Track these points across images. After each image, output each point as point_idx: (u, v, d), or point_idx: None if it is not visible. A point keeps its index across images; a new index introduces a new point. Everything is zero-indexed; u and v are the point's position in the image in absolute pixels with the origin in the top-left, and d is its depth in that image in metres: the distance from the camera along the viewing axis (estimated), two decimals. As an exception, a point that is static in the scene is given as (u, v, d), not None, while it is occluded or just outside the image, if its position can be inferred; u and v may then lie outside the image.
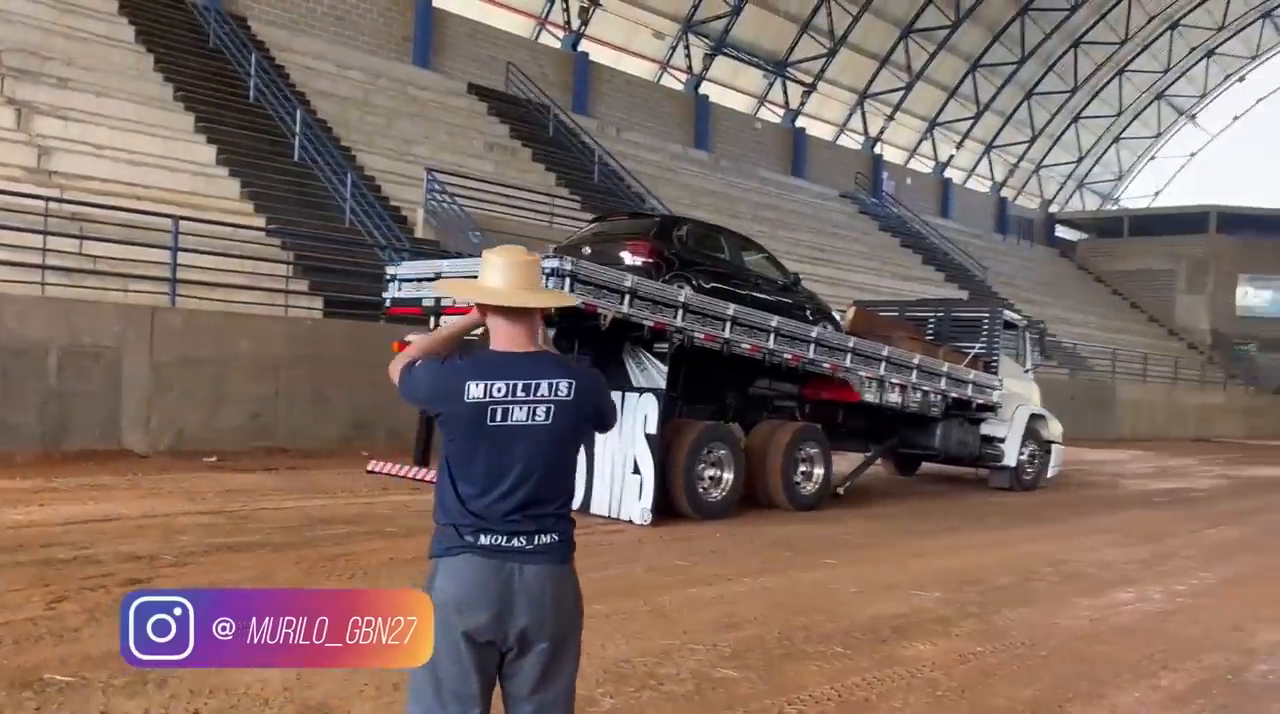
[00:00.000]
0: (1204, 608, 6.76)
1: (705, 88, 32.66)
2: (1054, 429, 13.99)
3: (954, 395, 12.03)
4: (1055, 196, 50.44)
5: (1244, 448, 28.62)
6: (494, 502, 2.54)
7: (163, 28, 18.37)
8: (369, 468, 8.97)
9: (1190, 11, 44.24)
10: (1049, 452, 13.84)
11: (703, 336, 8.99)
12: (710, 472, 9.27)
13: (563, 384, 2.58)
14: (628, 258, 9.33)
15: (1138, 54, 45.70)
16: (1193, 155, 53.13)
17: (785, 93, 35.47)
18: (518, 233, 17.43)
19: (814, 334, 10.10)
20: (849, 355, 10.52)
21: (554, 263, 7.84)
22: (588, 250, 9.38)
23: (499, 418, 2.53)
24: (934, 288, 29.84)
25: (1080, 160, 49.43)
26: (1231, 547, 9.71)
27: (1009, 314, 13.81)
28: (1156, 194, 53.27)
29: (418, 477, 8.59)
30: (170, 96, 16.44)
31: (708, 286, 9.44)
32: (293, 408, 11.95)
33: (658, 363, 8.71)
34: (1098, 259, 47.37)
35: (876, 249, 31.79)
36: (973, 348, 12.88)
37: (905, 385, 11.28)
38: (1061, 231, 49.90)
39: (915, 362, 11.41)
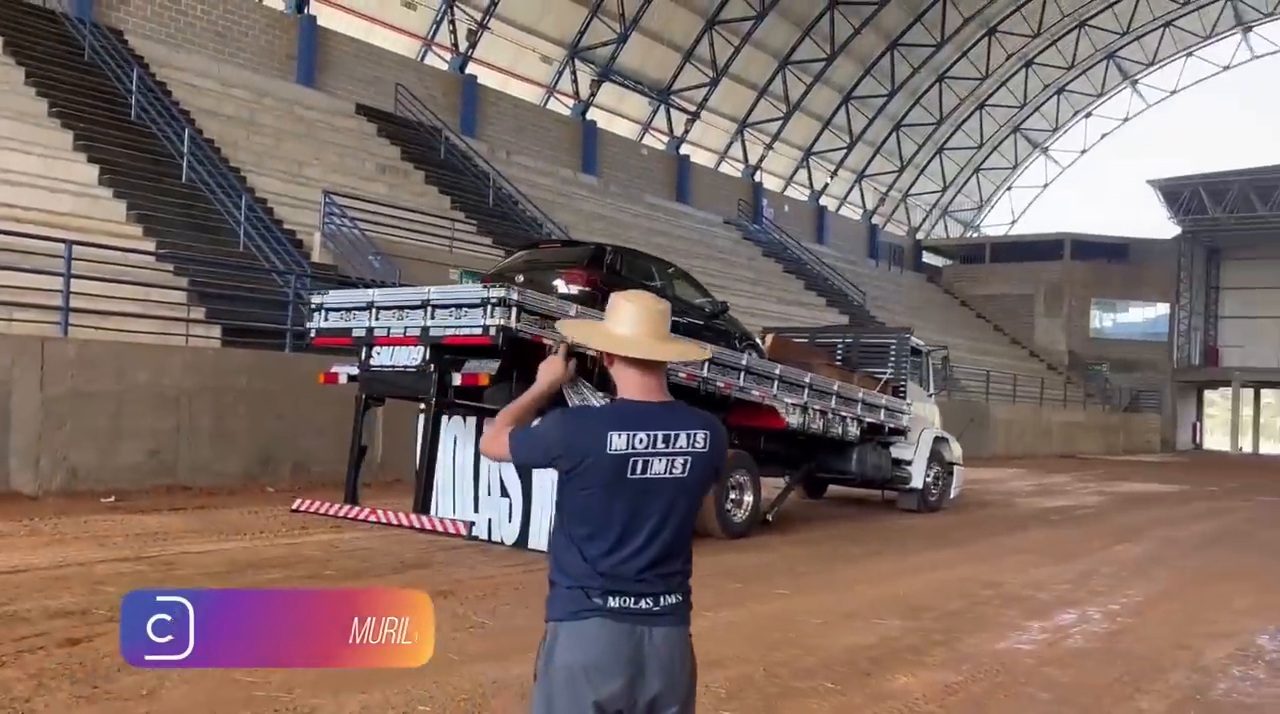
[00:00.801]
0: (1144, 627, 7.04)
1: (592, 113, 32.77)
2: (955, 451, 14.44)
3: (869, 420, 12.28)
4: (921, 224, 52.51)
5: (1106, 464, 30.21)
6: (626, 559, 2.43)
7: (32, 39, 17.32)
8: (294, 506, 8.52)
9: (1043, 51, 46.91)
10: (951, 473, 14.28)
11: (642, 366, 8.92)
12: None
13: (700, 435, 2.49)
14: (562, 286, 9.21)
15: (996, 89, 48.16)
16: (1045, 186, 56.18)
17: (669, 120, 35.93)
18: (418, 257, 17.07)
19: (744, 362, 10.16)
20: (775, 383, 10.61)
21: (500, 292, 7.64)
22: (521, 279, 9.20)
23: (639, 470, 2.42)
24: (818, 312, 30.61)
25: (944, 190, 51.64)
26: (1142, 563, 10.15)
27: (914, 340, 14.22)
28: (1013, 223, 56.04)
29: (350, 516, 8.20)
30: (45, 112, 15.48)
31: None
32: (194, 443, 11.31)
33: (598, 393, 8.56)
34: (962, 284, 49.51)
35: (762, 275, 32.39)
36: (882, 373, 13.19)
37: (826, 411, 11.45)
38: (928, 257, 51.96)
39: (835, 388, 11.61)
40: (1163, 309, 47.77)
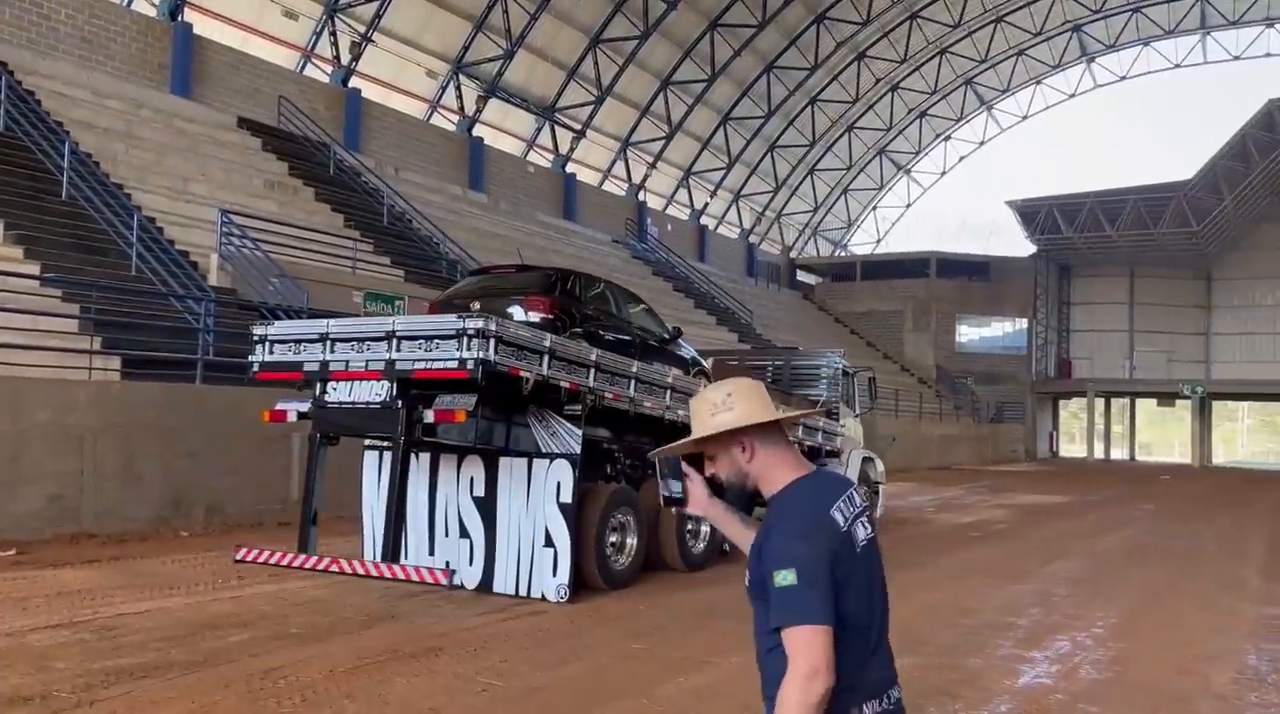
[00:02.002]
0: (1140, 652, 7.09)
1: (478, 130, 32.12)
2: (879, 470, 14.58)
3: (809, 444, 12.24)
4: (795, 243, 53.64)
5: (985, 474, 31.27)
6: (880, 651, 2.18)
7: (-120, 40, 15.70)
8: (238, 556, 7.78)
9: (908, 76, 48.65)
10: (877, 492, 14.41)
11: (611, 396, 8.59)
12: (614, 538, 8.83)
13: (856, 494, 2.27)
14: (520, 314, 8.80)
15: (864, 113, 49.66)
16: (908, 206, 58.21)
17: (554, 138, 35.57)
18: (321, 279, 16.24)
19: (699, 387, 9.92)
20: (730, 410, 10.41)
21: (477, 323, 7.18)
22: (476, 306, 8.73)
23: (860, 541, 2.19)
24: (710, 331, 30.74)
25: (816, 209, 52.90)
26: (1087, 581, 10.34)
27: (843, 362, 14.29)
28: (878, 242, 57.84)
29: (307, 566, 7.52)
30: (-100, 122, 14.03)
31: (607, 342, 9.06)
32: (100, 486, 10.33)
33: (570, 426, 8.21)
34: (834, 301, 50.80)
35: (654, 294, 32.18)
36: (818, 395, 13.20)
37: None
38: (801, 276, 53.11)
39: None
40: (1021, 324, 50.10)
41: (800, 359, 14.60)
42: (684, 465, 2.43)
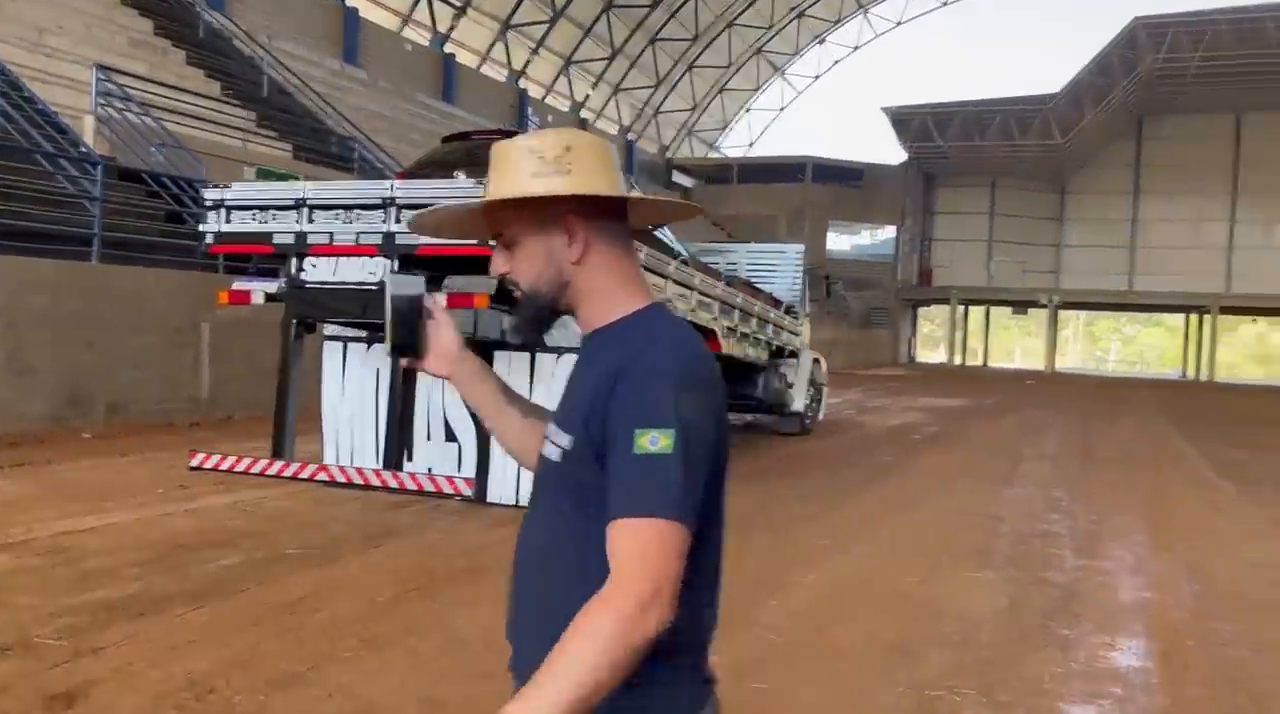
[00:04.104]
0: (1202, 560, 6.78)
1: (350, 0, 29.52)
2: (824, 371, 14.12)
3: (776, 343, 11.61)
4: (671, 143, 52.60)
5: (868, 378, 31.70)
6: (717, 601, 1.43)
7: None
8: (193, 463, 6.54)
9: (790, -27, 47.78)
10: (822, 394, 13.98)
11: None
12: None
13: None
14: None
15: (745, 9, 48.59)
16: (781, 109, 57.90)
17: (432, 13, 33.14)
18: (210, 151, 14.41)
19: (697, 281, 9.07)
20: (717, 303, 9.62)
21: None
22: (461, 176, 7.53)
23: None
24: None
25: (694, 109, 51.89)
26: (1078, 483, 10.10)
27: (799, 257, 13.60)
28: (750, 145, 57.48)
29: (295, 475, 6.35)
30: None
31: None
32: (-14, 380, 8.71)
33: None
34: (711, 203, 50.02)
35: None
36: (779, 291, 12.52)
37: (749, 334, 10.62)
38: (677, 177, 52.25)
39: (755, 308, 10.79)
40: (890, 231, 50.95)
41: (757, 251, 13.84)
42: (428, 297, 1.58)
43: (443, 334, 1.57)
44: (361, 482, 6.13)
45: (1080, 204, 52.59)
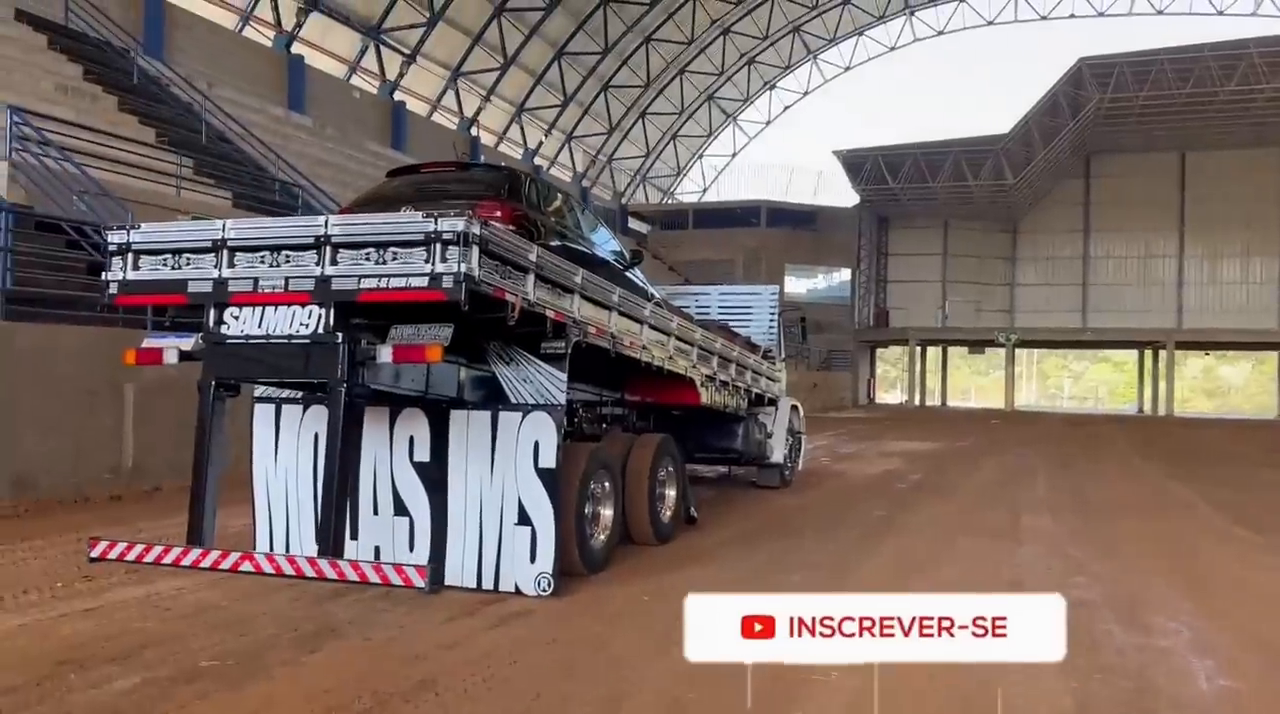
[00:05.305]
0: (1251, 617, 6.00)
1: (296, 48, 28.68)
2: (801, 419, 13.31)
3: (755, 391, 10.78)
4: (625, 189, 52.17)
5: (832, 422, 30.99)
6: None
7: None
8: (94, 554, 5.50)
9: (740, 20, 47.80)
10: (800, 443, 13.16)
11: (594, 331, 6.74)
12: (589, 509, 7.02)
13: None
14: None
15: (696, 56, 48.55)
16: (734, 155, 57.76)
17: (380, 62, 32.42)
18: (141, 199, 13.41)
19: (675, 326, 8.23)
20: (695, 349, 8.78)
21: (456, 225, 5.19)
22: (409, 209, 6.65)
23: None
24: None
25: (647, 155, 51.59)
26: (1085, 535, 9.36)
27: (774, 298, 12.82)
28: (704, 191, 57.19)
29: (197, 564, 5.34)
30: None
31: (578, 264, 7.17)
32: None
33: (551, 370, 6.33)
34: (667, 249, 49.69)
35: (495, 234, 30.08)
36: (750, 333, 11.71)
37: (728, 381, 9.78)
38: (632, 223, 51.75)
39: (735, 355, 9.97)
40: (845, 274, 50.77)
41: (730, 293, 13.01)
42: None
43: None
44: (294, 572, 5.15)
45: (1032, 243, 52.87)
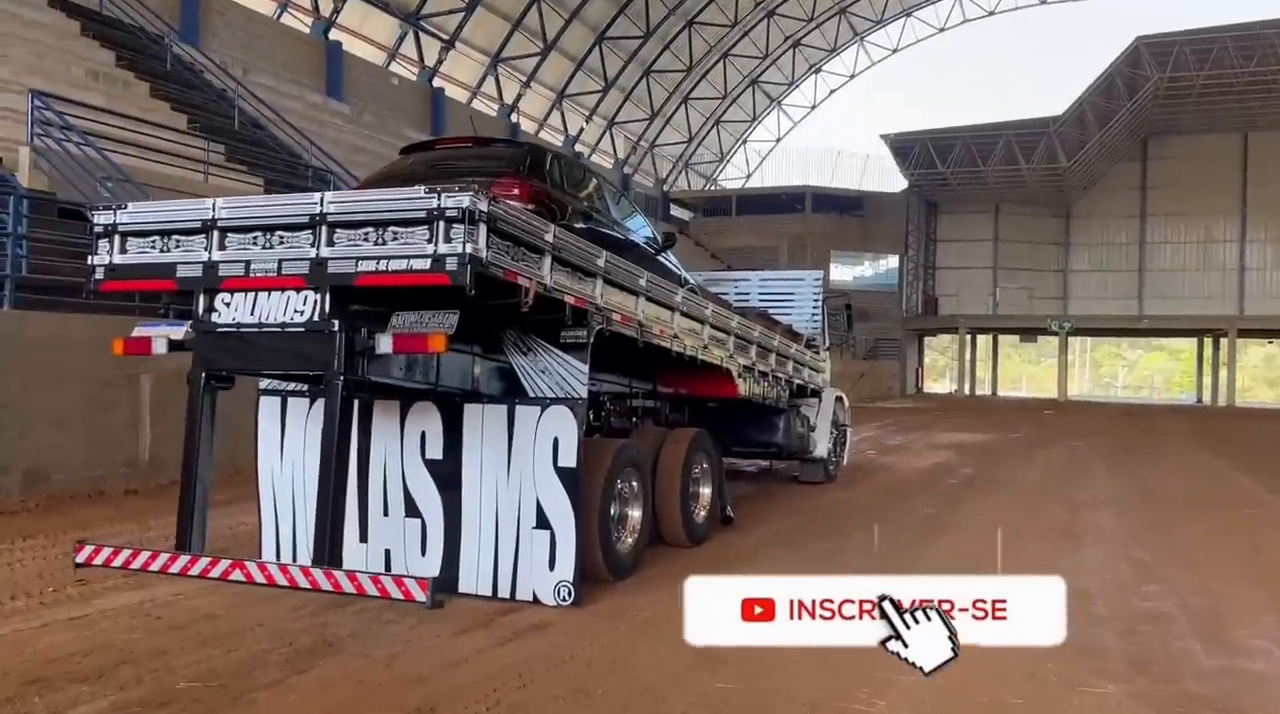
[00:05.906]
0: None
1: (334, 34, 28.43)
2: (846, 411, 12.70)
3: (797, 382, 10.21)
4: (668, 176, 51.56)
5: (880, 412, 30.29)
6: None
7: None
8: (79, 559, 5.13)
9: (785, 1, 46.86)
10: (846, 436, 12.56)
11: (619, 318, 6.23)
12: (615, 511, 6.53)
13: None
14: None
15: (740, 39, 47.72)
16: (779, 140, 56.87)
17: (419, 48, 32.10)
18: (167, 186, 13.09)
19: (709, 313, 7.70)
20: (732, 338, 8.25)
21: (460, 201, 4.70)
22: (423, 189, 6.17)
23: None
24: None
25: (689, 141, 50.91)
26: (1157, 532, 8.73)
27: (819, 284, 12.23)
28: (748, 177, 56.41)
29: (185, 571, 4.93)
30: None
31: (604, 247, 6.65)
32: None
33: (572, 360, 5.83)
34: (709, 236, 49.02)
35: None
36: (794, 322, 11.14)
37: (768, 372, 9.23)
38: (674, 210, 51.15)
39: (775, 344, 9.41)
40: (893, 261, 49.77)
41: (771, 279, 12.42)
42: None
43: None
44: (286, 582, 4.72)
45: (1086, 228, 51.40)
